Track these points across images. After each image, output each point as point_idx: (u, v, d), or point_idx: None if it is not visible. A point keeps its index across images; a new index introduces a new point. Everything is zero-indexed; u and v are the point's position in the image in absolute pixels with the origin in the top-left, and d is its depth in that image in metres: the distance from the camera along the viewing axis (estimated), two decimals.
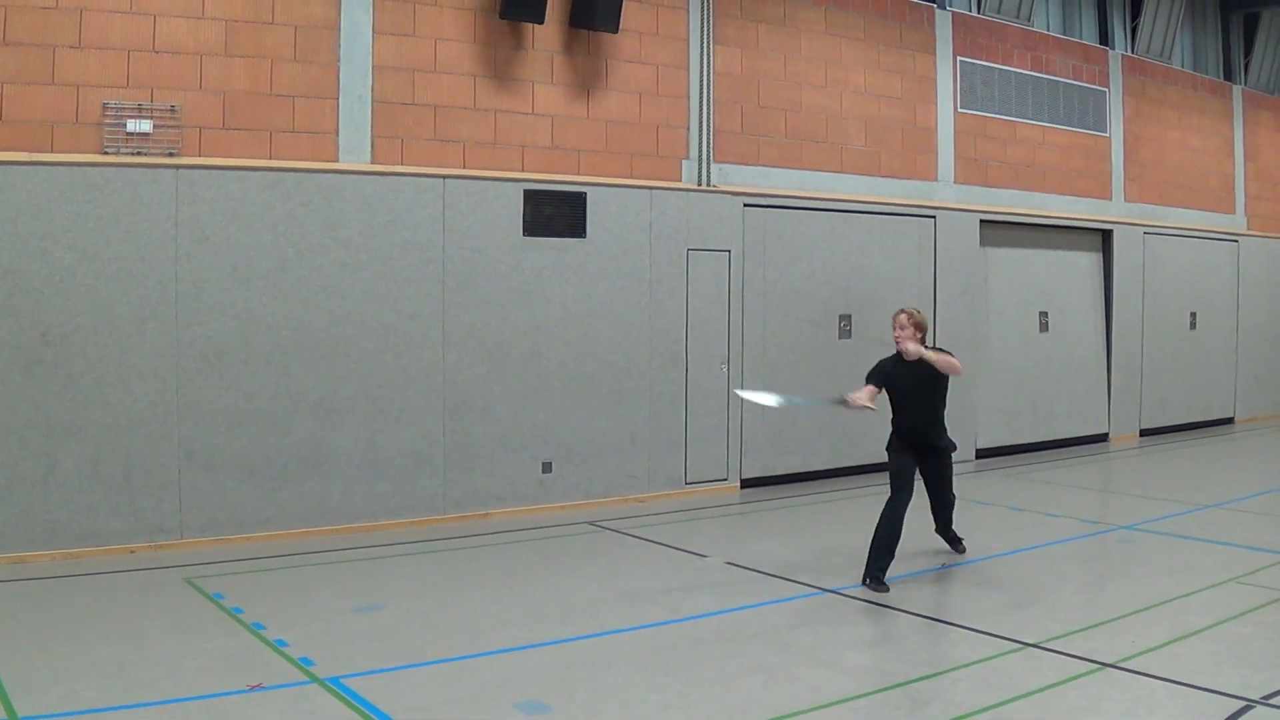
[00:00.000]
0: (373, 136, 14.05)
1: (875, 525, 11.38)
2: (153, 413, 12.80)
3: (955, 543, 12.60)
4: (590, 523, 14.48)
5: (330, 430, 13.70)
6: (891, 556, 11.31)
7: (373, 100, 14.08)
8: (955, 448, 12.18)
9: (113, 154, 12.68)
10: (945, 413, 11.99)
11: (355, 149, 13.94)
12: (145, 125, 12.83)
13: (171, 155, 12.92)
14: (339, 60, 13.88)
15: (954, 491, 12.33)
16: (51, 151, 12.42)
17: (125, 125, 12.76)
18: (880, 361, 11.95)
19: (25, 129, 12.34)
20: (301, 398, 13.54)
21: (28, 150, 12.32)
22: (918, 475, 11.85)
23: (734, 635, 9.79)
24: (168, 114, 12.95)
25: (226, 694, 8.21)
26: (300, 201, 13.55)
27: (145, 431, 12.77)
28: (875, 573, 11.20)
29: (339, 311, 13.73)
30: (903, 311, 11.69)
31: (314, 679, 8.53)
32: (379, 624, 10.09)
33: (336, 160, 13.83)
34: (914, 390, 11.68)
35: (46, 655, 9.07)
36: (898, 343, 11.57)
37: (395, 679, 8.60)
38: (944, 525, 12.49)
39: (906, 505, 11.54)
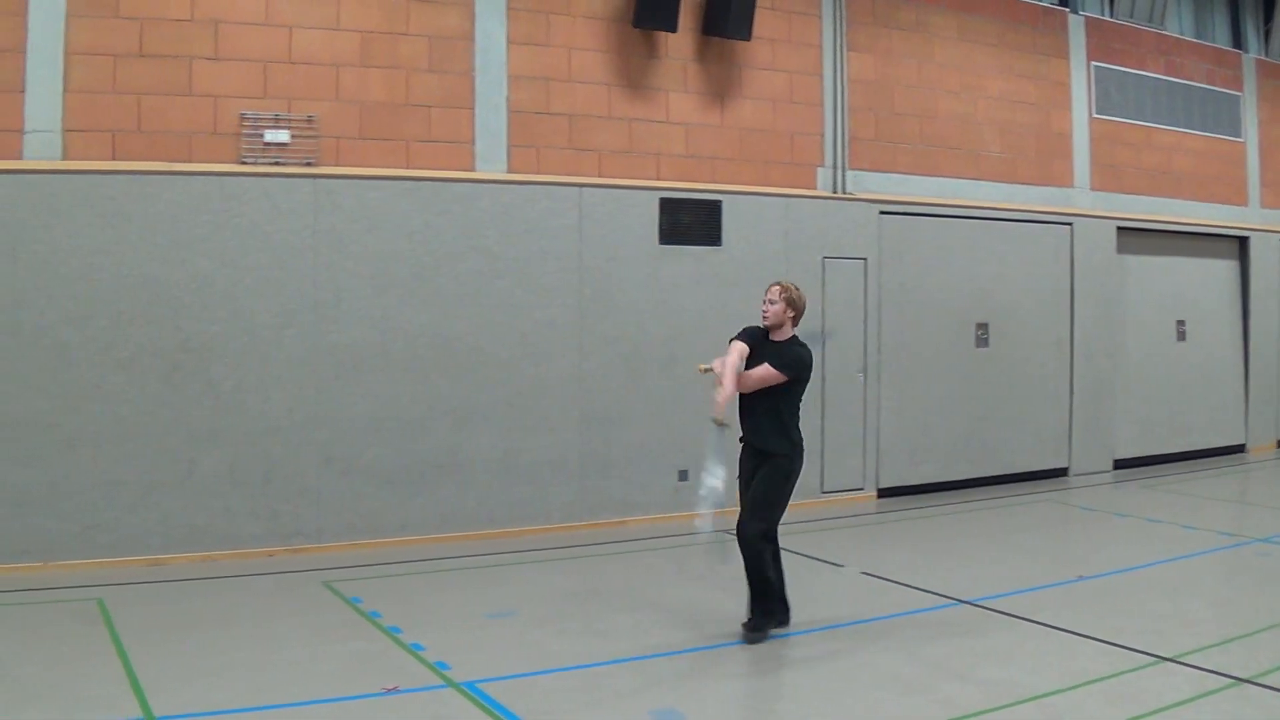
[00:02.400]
0: (509, 145, 13.59)
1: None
2: (291, 419, 12.52)
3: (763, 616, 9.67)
4: (726, 531, 13.73)
5: (467, 437, 13.24)
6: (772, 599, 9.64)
7: (508, 109, 13.61)
8: (790, 457, 9.60)
9: (251, 164, 12.43)
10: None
11: (492, 158, 13.49)
12: (283, 135, 12.55)
13: (309, 165, 12.62)
14: (474, 70, 13.45)
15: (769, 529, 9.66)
16: (190, 161, 12.22)
17: (263, 136, 12.49)
18: (749, 327, 9.74)
19: (164, 139, 12.16)
20: (438, 405, 13.13)
21: (166, 160, 12.14)
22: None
23: (867, 646, 9.30)
24: (305, 124, 12.63)
25: (362, 697, 7.99)
26: (437, 210, 13.16)
27: (284, 437, 12.51)
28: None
29: (477, 319, 13.28)
30: (777, 284, 9.58)
31: (449, 683, 8.28)
32: (513, 629, 9.75)
33: (473, 169, 13.40)
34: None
35: (183, 656, 8.87)
36: (764, 319, 9.50)
37: (529, 684, 8.31)
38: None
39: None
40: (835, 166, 15.82)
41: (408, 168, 13.11)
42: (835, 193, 15.75)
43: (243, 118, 12.41)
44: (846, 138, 15.91)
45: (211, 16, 12.36)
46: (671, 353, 14.41)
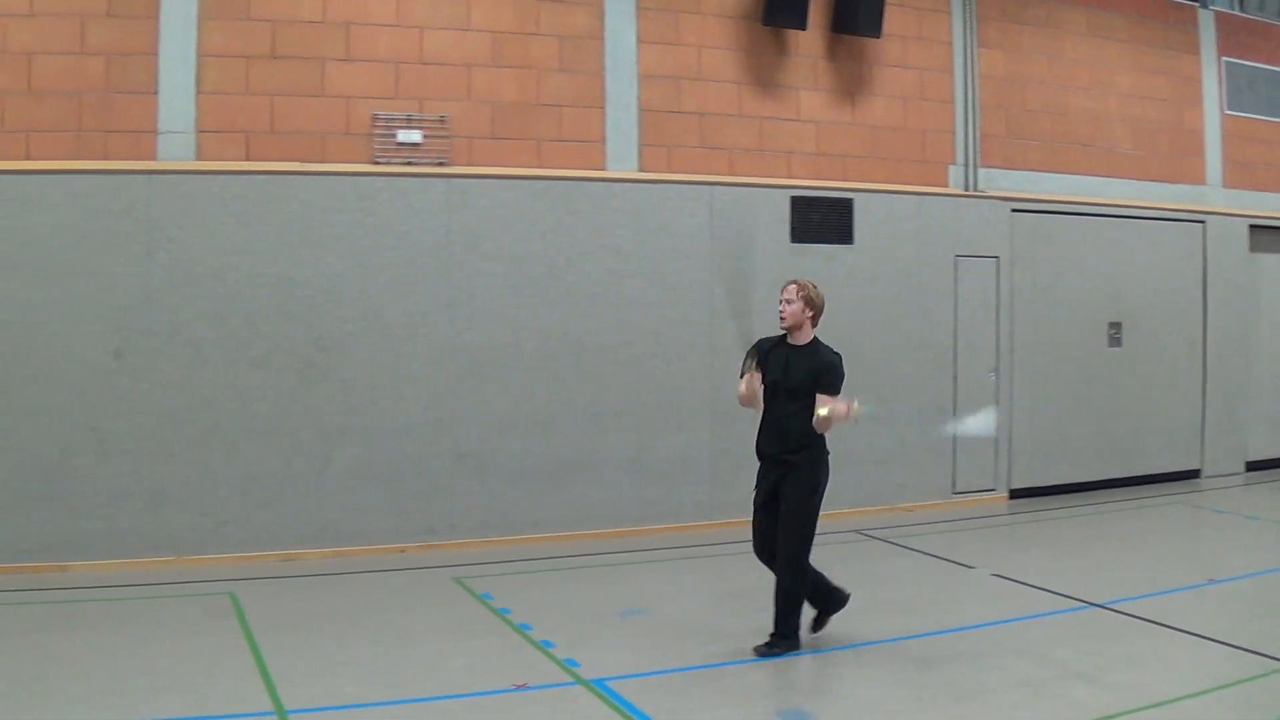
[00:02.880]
0: (639, 144, 13.27)
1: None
2: (424, 416, 12.36)
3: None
4: (857, 531, 13.40)
5: (598, 436, 12.93)
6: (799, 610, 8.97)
7: (639, 109, 13.28)
8: (816, 464, 8.81)
9: (384, 164, 12.29)
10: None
11: (622, 157, 13.18)
12: (415, 136, 12.38)
13: (441, 165, 12.42)
14: (604, 69, 13.15)
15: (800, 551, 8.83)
16: (323, 161, 12.11)
17: (395, 136, 12.34)
18: (760, 340, 9.10)
19: (297, 140, 12.09)
20: (570, 403, 12.84)
21: (299, 161, 12.06)
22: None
23: (997, 649, 8.94)
24: (437, 124, 12.45)
25: (491, 693, 7.88)
26: (569, 209, 12.87)
27: (416, 435, 12.35)
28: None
29: (608, 318, 12.96)
30: (794, 281, 8.84)
31: (578, 680, 8.14)
32: (643, 628, 9.55)
33: (604, 168, 13.11)
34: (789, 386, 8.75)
35: (314, 650, 8.83)
36: (781, 320, 8.81)
37: (658, 683, 8.13)
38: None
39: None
40: (967, 164, 15.29)
41: (539, 167, 12.85)
42: (967, 190, 15.19)
43: (375, 118, 12.28)
44: (977, 135, 15.37)
45: (343, 18, 12.28)
46: None
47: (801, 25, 13.96)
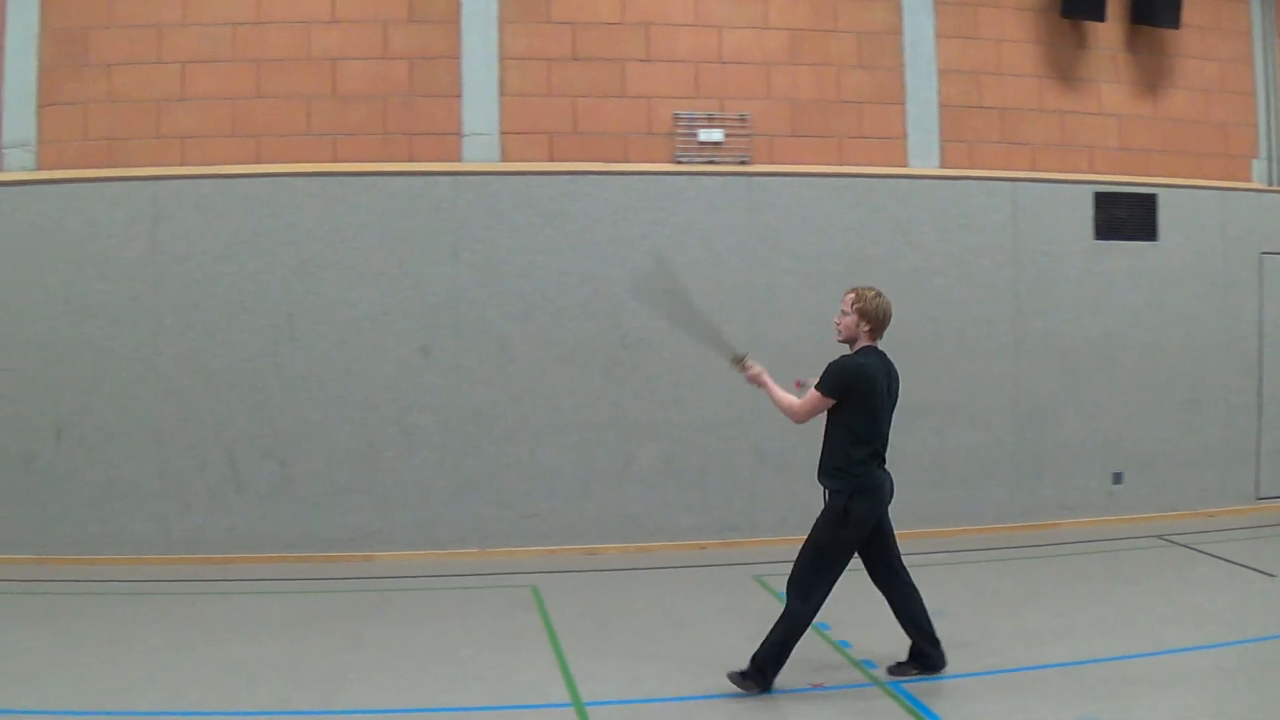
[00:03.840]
0: (941, 140, 12.53)
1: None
2: (727, 414, 11.95)
3: None
4: (1159, 536, 12.39)
5: (899, 434, 11.81)
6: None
7: (939, 104, 12.56)
8: (842, 494, 7.59)
9: (685, 163, 11.92)
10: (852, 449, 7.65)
11: (924, 153, 12.47)
12: (716, 134, 11.98)
13: (743, 163, 11.96)
14: (904, 65, 12.46)
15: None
16: (626, 161, 11.86)
17: (696, 135, 11.96)
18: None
19: (599, 141, 11.92)
20: None
21: (602, 161, 11.88)
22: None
23: None
24: (737, 123, 12.01)
25: (788, 691, 7.63)
26: (871, 207, 12.22)
27: (719, 432, 12.01)
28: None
29: (912, 317, 11.96)
30: (851, 290, 7.71)
31: (875, 681, 7.86)
32: (943, 630, 8.74)
33: (905, 165, 12.40)
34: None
35: (613, 644, 8.77)
36: (837, 334, 7.79)
37: (955, 686, 7.79)
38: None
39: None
40: (1271, 158, 14.08)
41: (840, 164, 12.27)
42: (1271, 185, 14.03)
43: (676, 118, 11.97)
44: None
45: (642, 19, 12.02)
46: (1106, 351, 12.99)
47: (1100, 17, 13.00)
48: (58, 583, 10.93)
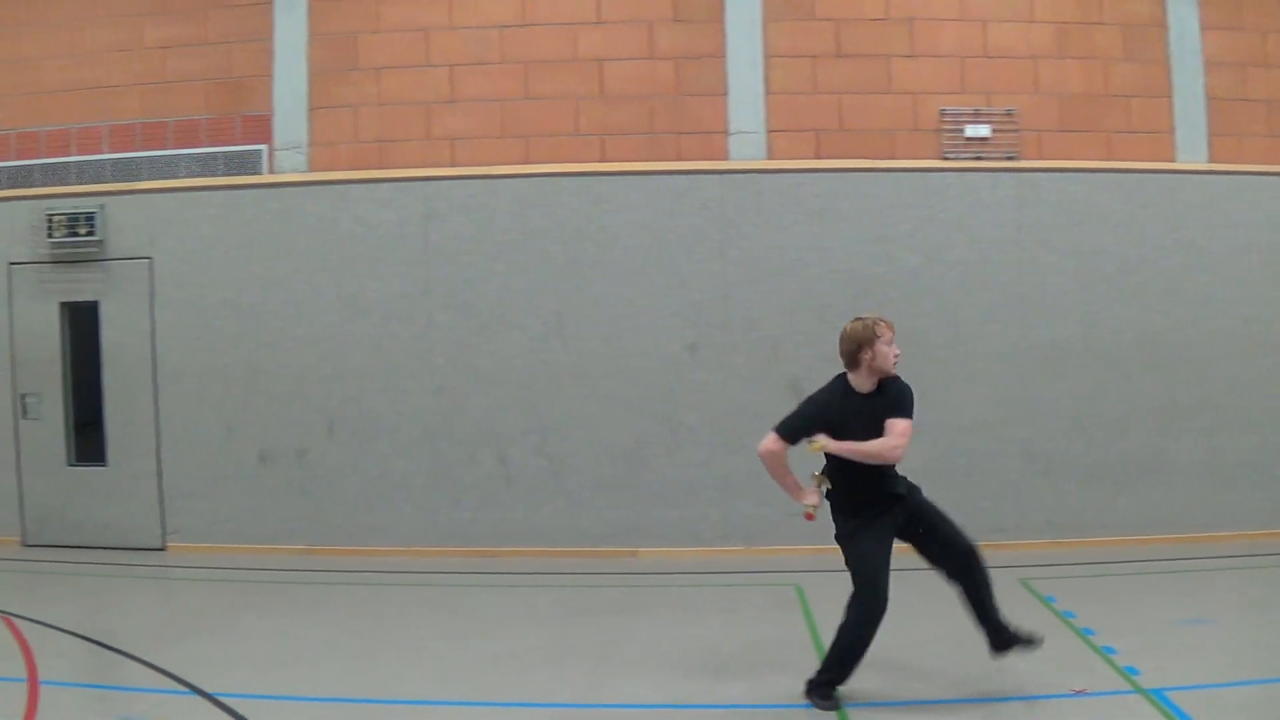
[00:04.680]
0: (1209, 134, 12.12)
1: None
2: (993, 413, 11.67)
3: None
4: None
5: (1169, 437, 11.78)
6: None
7: (1206, 97, 12.17)
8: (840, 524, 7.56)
9: (952, 159, 11.72)
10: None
11: (1191, 148, 12.04)
12: (983, 130, 11.75)
13: (1011, 159, 11.71)
14: (1169, 58, 12.10)
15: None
16: (892, 158, 11.70)
17: (963, 131, 11.75)
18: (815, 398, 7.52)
19: (865, 137, 11.77)
20: (1141, 403, 11.78)
21: (869, 158, 11.71)
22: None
23: None
24: (1004, 118, 11.77)
25: (1049, 697, 7.47)
26: (1140, 203, 11.84)
27: (985, 432, 11.70)
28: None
29: (1179, 315, 11.82)
30: (885, 321, 7.30)
31: (1137, 689, 7.51)
32: (1208, 638, 8.73)
33: (1173, 160, 12.01)
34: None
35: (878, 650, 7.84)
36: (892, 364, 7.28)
37: (1217, 696, 7.40)
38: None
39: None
40: None
41: (1108, 159, 11.96)
42: None
43: (942, 113, 11.76)
44: None
45: (906, 14, 11.85)
46: None
47: None
48: (327, 573, 11.25)
